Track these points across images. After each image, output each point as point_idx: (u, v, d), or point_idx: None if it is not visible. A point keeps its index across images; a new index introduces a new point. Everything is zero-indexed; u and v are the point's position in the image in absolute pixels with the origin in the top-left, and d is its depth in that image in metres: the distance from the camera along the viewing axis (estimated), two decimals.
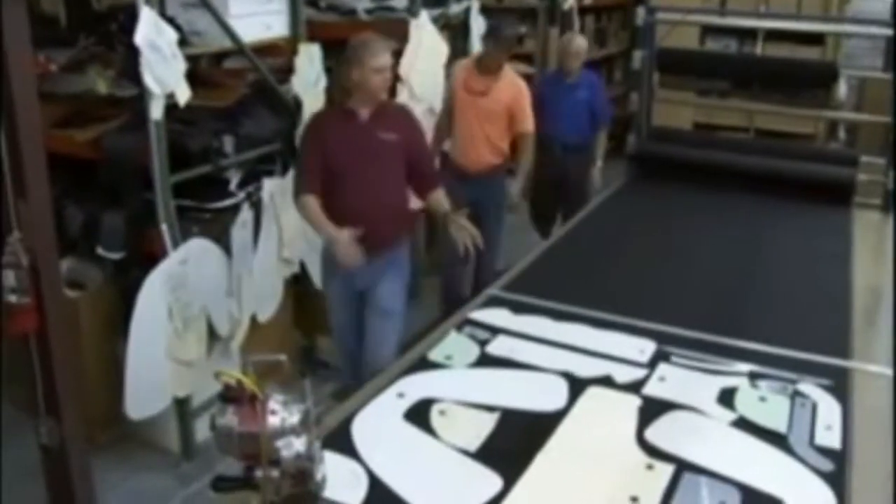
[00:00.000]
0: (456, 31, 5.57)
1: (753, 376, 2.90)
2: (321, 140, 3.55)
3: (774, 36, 7.30)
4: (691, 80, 6.92)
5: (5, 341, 3.51)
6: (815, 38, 7.40)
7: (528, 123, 4.91)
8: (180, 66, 3.43)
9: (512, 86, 4.87)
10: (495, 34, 4.81)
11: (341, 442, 2.40)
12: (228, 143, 3.86)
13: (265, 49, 4.13)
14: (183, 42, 3.51)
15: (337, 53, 4.74)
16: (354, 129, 3.56)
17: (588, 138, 5.63)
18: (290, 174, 3.96)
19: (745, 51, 7.85)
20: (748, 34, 7.64)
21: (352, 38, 3.60)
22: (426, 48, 5.02)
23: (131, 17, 3.31)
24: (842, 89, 6.66)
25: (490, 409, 2.62)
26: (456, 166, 4.93)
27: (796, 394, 2.78)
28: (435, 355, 3.01)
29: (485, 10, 5.79)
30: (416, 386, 2.77)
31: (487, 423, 2.55)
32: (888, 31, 5.60)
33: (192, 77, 3.56)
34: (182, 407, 3.79)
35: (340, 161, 3.52)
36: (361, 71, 3.45)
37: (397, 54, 4.73)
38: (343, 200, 3.51)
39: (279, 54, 4.29)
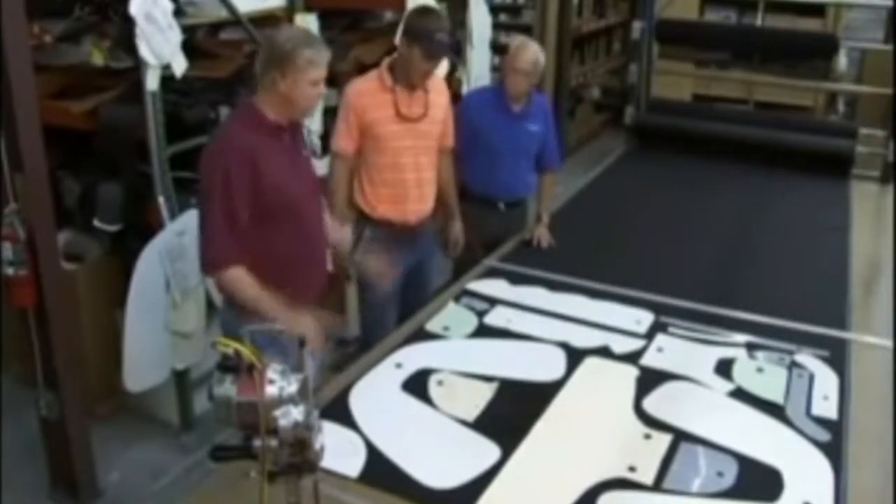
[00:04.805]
0: (455, 2, 5.52)
1: (751, 347, 2.91)
2: (253, 171, 2.57)
3: (774, 7, 7.25)
4: (691, 51, 6.92)
5: (5, 315, 3.53)
6: (816, 10, 7.36)
7: (452, 134, 3.71)
8: (176, 36, 3.40)
9: (443, 91, 3.63)
10: (429, 40, 3.25)
11: (340, 412, 2.41)
12: (225, 114, 3.84)
13: (262, 19, 4.09)
14: (179, 12, 3.47)
15: (335, 23, 4.72)
16: (286, 150, 2.72)
17: (532, 187, 4.13)
18: None
19: (744, 22, 7.82)
20: (748, 5, 7.59)
21: (274, 32, 2.72)
22: None
23: None
24: (842, 61, 6.66)
25: (488, 379, 2.63)
26: (387, 224, 3.47)
27: (794, 364, 2.80)
28: (433, 326, 3.01)
29: None
30: (414, 356, 2.78)
31: (485, 393, 2.56)
32: (888, 3, 5.58)
33: (189, 48, 3.53)
34: (181, 379, 3.80)
35: (285, 195, 2.67)
36: (295, 81, 2.57)
37: (394, 25, 4.69)
38: (283, 247, 2.70)
39: (276, 24, 4.25)
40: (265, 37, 2.58)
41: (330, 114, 4.15)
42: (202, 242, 2.67)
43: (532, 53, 3.81)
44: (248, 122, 2.63)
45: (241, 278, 2.60)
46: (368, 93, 3.38)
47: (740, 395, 2.61)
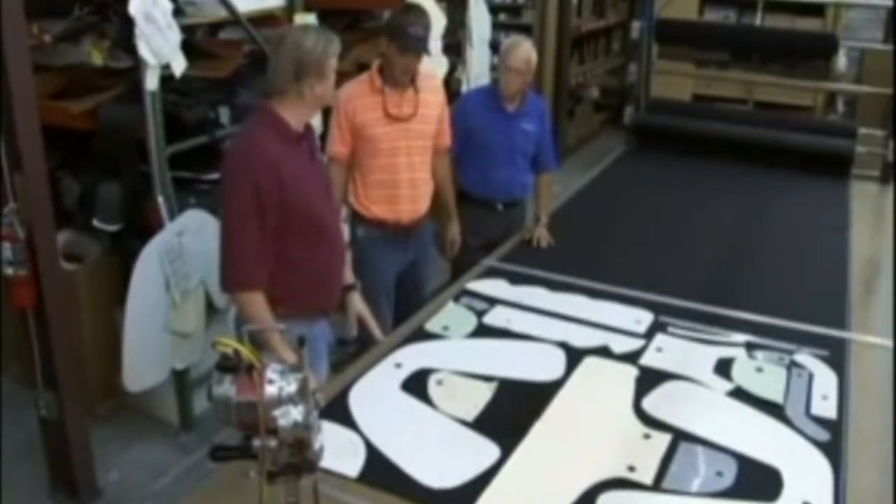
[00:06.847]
0: (454, 2, 5.51)
1: (750, 347, 2.91)
2: (279, 182, 2.51)
3: (774, 7, 7.26)
4: (690, 51, 6.92)
5: (5, 315, 3.53)
6: (815, 9, 7.36)
7: (449, 133, 3.71)
8: (175, 36, 3.40)
9: (436, 90, 3.63)
10: (402, 34, 3.28)
11: (339, 412, 2.41)
12: (225, 114, 3.84)
13: (261, 19, 4.09)
14: (178, 12, 3.47)
15: (335, 23, 4.72)
16: (304, 157, 2.68)
17: (529, 187, 4.10)
18: None
19: (744, 22, 7.82)
20: (747, 5, 7.59)
21: (294, 41, 2.59)
22: None
23: None
24: (841, 61, 6.66)
25: (487, 379, 2.63)
26: (380, 224, 3.48)
27: (793, 364, 2.80)
28: (432, 326, 3.01)
29: None
30: (413, 356, 2.78)
31: (485, 393, 2.56)
32: (888, 3, 5.57)
33: (188, 48, 3.53)
34: (181, 379, 3.80)
35: (305, 204, 2.63)
36: (326, 83, 2.61)
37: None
38: (305, 254, 2.67)
39: (276, 24, 4.25)
40: (287, 49, 2.55)
41: (328, 114, 4.14)
42: (228, 257, 2.57)
43: (524, 51, 3.79)
44: (272, 130, 2.57)
45: (257, 302, 2.54)
46: (358, 95, 3.39)
47: (740, 394, 2.61)
